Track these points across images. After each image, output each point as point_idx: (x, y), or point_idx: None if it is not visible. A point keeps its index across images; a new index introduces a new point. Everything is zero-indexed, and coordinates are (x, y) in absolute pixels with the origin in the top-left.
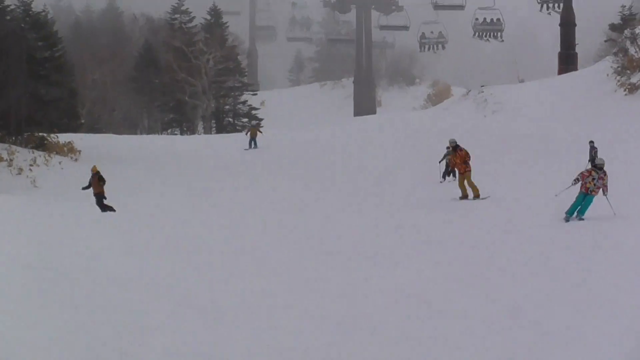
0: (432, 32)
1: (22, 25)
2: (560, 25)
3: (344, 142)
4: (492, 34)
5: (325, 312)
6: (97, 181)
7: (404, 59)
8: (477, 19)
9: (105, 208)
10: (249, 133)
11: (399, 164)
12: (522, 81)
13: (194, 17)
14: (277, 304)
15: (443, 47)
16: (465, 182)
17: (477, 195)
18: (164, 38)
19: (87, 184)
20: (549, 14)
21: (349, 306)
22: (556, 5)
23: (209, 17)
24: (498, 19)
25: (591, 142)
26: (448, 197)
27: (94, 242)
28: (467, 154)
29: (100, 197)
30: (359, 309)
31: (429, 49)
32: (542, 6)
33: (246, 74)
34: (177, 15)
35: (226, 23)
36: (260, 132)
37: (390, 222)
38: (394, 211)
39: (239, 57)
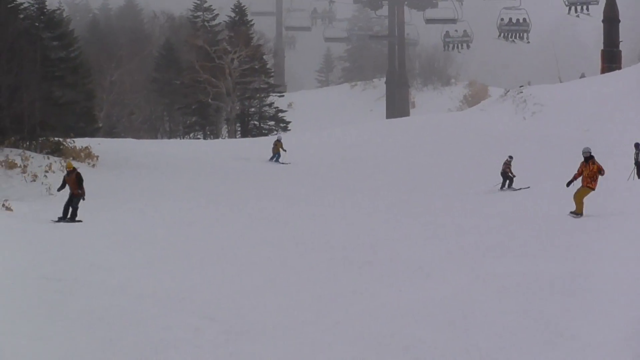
0: (456, 31)
1: (36, 24)
2: (603, 21)
3: (375, 146)
4: (518, 34)
5: (355, 328)
6: (74, 180)
7: (439, 58)
8: (502, 19)
9: (74, 216)
10: (273, 148)
11: (433, 170)
12: (561, 81)
13: (217, 15)
14: (303, 318)
15: (468, 47)
16: (577, 198)
17: (578, 212)
18: (185, 37)
19: (60, 183)
20: (577, 16)
21: (379, 321)
22: (584, 7)
23: (233, 15)
24: (524, 19)
25: (636, 144)
26: (487, 207)
27: (110, 252)
28: (600, 168)
29: (78, 199)
30: (394, 324)
31: (453, 48)
32: (570, 9)
33: (272, 74)
34: (199, 13)
35: (251, 21)
36: (284, 149)
37: (434, 234)
38: (435, 222)
39: (264, 56)
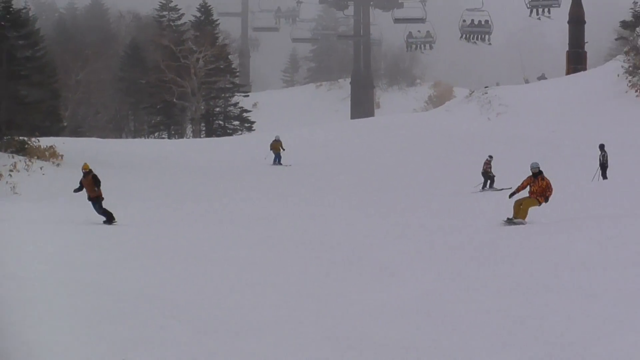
0: (419, 32)
1: (2, 23)
2: (568, 22)
3: (340, 147)
4: (479, 36)
5: (323, 328)
6: (91, 182)
7: (404, 58)
8: (464, 21)
9: (106, 214)
10: (271, 149)
11: (399, 170)
12: (527, 81)
13: (183, 15)
14: (270, 318)
15: (431, 47)
16: (523, 205)
17: (518, 217)
18: (151, 36)
19: (77, 185)
20: (539, 19)
21: (349, 321)
22: (546, 10)
23: (198, 15)
24: (487, 21)
25: (601, 145)
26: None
27: (78, 251)
28: (549, 186)
29: (99, 202)
30: (359, 324)
31: (416, 48)
32: (531, 11)
33: (238, 74)
34: (165, 13)
35: (217, 21)
36: (283, 148)
37: (395, 232)
38: (399, 220)
39: (230, 56)
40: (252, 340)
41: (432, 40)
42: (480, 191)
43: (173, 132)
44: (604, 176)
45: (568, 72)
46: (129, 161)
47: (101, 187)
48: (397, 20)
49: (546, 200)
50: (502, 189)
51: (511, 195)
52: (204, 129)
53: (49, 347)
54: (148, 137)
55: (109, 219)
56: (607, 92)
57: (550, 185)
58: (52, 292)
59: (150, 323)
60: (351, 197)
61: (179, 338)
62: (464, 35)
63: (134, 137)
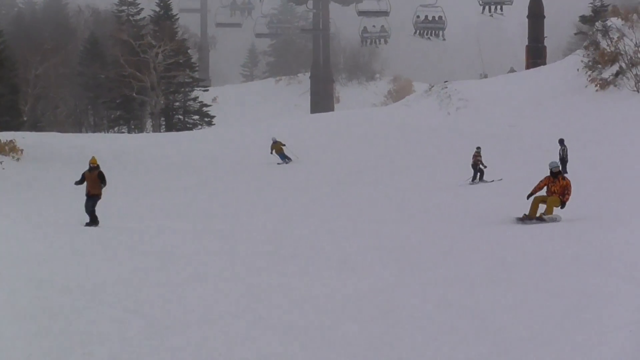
0: (374, 26)
1: None
2: (528, 17)
3: (300, 141)
4: (433, 32)
5: (280, 321)
6: (96, 178)
7: (364, 53)
8: (418, 17)
9: (93, 215)
10: (273, 151)
11: (359, 165)
12: (485, 76)
13: (142, 9)
14: (228, 311)
15: (385, 42)
16: (548, 203)
17: (548, 214)
18: (110, 31)
19: (79, 177)
20: (491, 16)
21: (308, 314)
22: (498, 7)
23: (157, 9)
24: (440, 17)
25: (561, 140)
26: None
27: (35, 245)
28: (568, 187)
29: (95, 200)
30: (318, 318)
31: (370, 43)
32: (483, 8)
33: (197, 69)
34: (124, 7)
35: (176, 15)
36: (283, 144)
37: (351, 228)
38: (356, 216)
39: (189, 51)
40: (211, 333)
41: (387, 35)
42: (470, 184)
43: (133, 127)
44: (564, 170)
45: (527, 67)
46: (89, 156)
47: (80, 184)
48: (360, 13)
49: (563, 205)
50: (493, 181)
51: (529, 196)
52: (163, 123)
53: (6, 343)
54: (108, 132)
55: (93, 221)
56: (566, 86)
57: (570, 187)
58: (9, 287)
59: (109, 318)
60: (311, 191)
61: (138, 332)
62: (418, 31)
63: (94, 131)
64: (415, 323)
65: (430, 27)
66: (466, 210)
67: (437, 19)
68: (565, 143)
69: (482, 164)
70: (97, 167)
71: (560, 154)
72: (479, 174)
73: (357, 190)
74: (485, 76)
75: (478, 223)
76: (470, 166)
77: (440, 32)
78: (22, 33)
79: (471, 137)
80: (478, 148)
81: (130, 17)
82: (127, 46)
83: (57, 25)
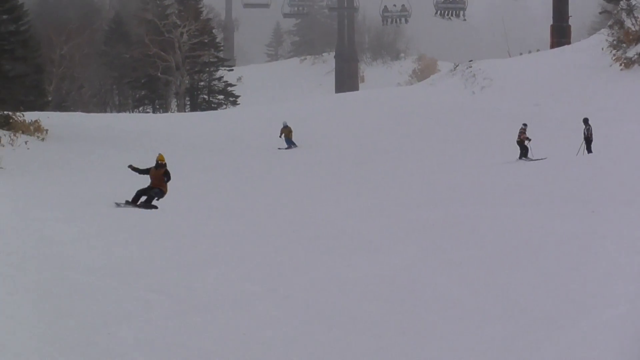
0: (394, 6)
1: None
2: None
3: (324, 121)
4: (454, 12)
5: (303, 302)
6: (161, 176)
7: (388, 32)
8: None
9: (150, 201)
10: (282, 135)
11: (384, 145)
12: (511, 56)
13: None
14: (253, 291)
15: (406, 21)
16: None
17: None
18: (135, 11)
19: (143, 168)
20: None
21: (332, 295)
22: None
23: None
24: None
25: (585, 119)
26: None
27: (60, 225)
28: None
29: (158, 194)
30: (342, 298)
31: (391, 22)
32: None
33: (222, 48)
34: None
35: None
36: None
37: (375, 208)
38: (380, 196)
39: (214, 30)
40: (236, 313)
41: (408, 14)
42: (516, 161)
43: (157, 107)
44: (589, 150)
45: (552, 46)
46: (114, 135)
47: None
48: None
49: None
50: (539, 160)
51: None
52: (188, 103)
53: (31, 323)
54: (132, 112)
55: (149, 202)
56: (591, 65)
57: None
58: (34, 268)
59: (133, 298)
60: (335, 171)
61: (162, 312)
62: (439, 12)
63: (119, 111)
64: (439, 303)
65: (451, 7)
66: (492, 189)
67: None
68: (590, 122)
69: (528, 139)
70: (164, 165)
71: (584, 133)
72: (523, 151)
73: (382, 170)
74: (510, 55)
75: (503, 203)
76: (516, 143)
77: (461, 12)
78: (47, 13)
79: (496, 116)
80: (524, 125)
81: None
82: (151, 26)
83: (81, 4)
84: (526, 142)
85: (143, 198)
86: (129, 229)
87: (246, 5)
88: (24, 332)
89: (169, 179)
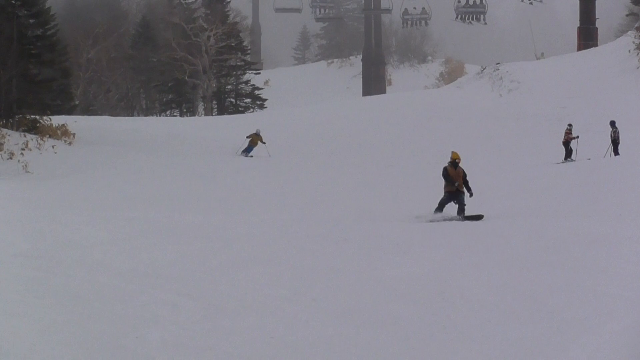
0: (414, 8)
1: (13, 1)
2: None
3: (352, 124)
4: (474, 16)
5: (333, 304)
6: (462, 174)
7: (415, 35)
8: (459, 2)
9: (462, 212)
10: (249, 141)
11: (411, 148)
12: (539, 58)
13: None
14: (281, 294)
15: (426, 24)
16: None
17: None
18: (162, 14)
19: (451, 181)
20: (531, 3)
21: (357, 297)
22: None
23: None
24: (481, 1)
25: (612, 122)
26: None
27: (88, 229)
28: None
29: (463, 196)
30: (369, 299)
31: (411, 25)
32: None
33: (249, 52)
34: None
35: None
36: (263, 142)
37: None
38: (408, 198)
39: (241, 34)
40: (265, 316)
41: (428, 17)
42: (562, 162)
43: (185, 110)
44: (616, 152)
45: (579, 48)
46: (141, 139)
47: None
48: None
49: None
50: (575, 160)
51: None
52: (215, 106)
53: (59, 327)
54: (160, 115)
55: (461, 212)
56: (617, 68)
57: None
58: (62, 271)
59: (161, 301)
60: (363, 173)
61: (190, 315)
62: (459, 16)
63: (146, 115)
64: (467, 305)
65: (471, 12)
66: (520, 191)
67: (477, 3)
68: (617, 125)
69: (573, 137)
70: (459, 161)
71: (611, 135)
72: (568, 152)
73: (408, 173)
74: (542, 55)
75: (530, 205)
76: (562, 144)
77: (482, 16)
78: (74, 17)
79: (522, 119)
80: (570, 125)
81: (182, 0)
82: (178, 29)
83: (108, 8)
84: (572, 142)
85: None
86: (157, 232)
87: (278, 10)
88: (52, 336)
89: (465, 175)
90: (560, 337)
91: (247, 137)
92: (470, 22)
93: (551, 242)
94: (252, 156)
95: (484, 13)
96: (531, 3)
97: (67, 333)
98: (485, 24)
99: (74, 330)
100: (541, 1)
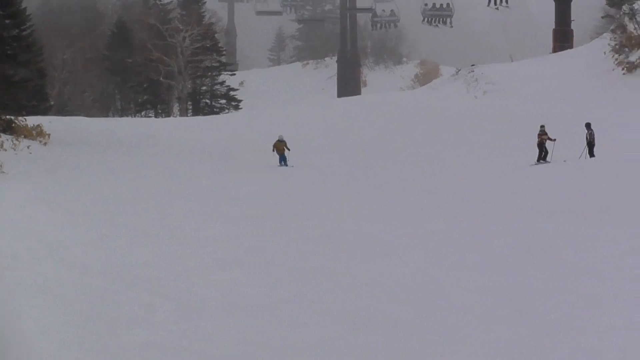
0: (383, 11)
1: None
2: (555, 0)
3: (327, 125)
4: (441, 19)
5: (312, 303)
6: None
7: (391, 36)
8: (426, 5)
9: None
10: (275, 150)
11: (387, 150)
12: (513, 61)
13: None
14: (254, 296)
15: (395, 26)
16: None
17: None
18: (137, 15)
19: None
20: (497, 9)
21: (340, 297)
22: (504, 0)
23: None
24: (448, 5)
25: (587, 124)
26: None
27: (63, 229)
28: None
29: None
30: (359, 302)
31: (380, 27)
32: (489, 1)
33: (224, 53)
34: None
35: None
36: (288, 148)
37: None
38: (388, 201)
39: (216, 35)
40: (242, 317)
41: (397, 19)
42: (535, 164)
43: (160, 111)
44: (591, 154)
45: (554, 50)
46: (116, 140)
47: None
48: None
49: None
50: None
51: None
52: (190, 107)
53: (38, 329)
54: (135, 116)
55: None
56: (593, 70)
57: None
58: (37, 271)
59: (137, 302)
60: (340, 175)
61: (166, 316)
62: (426, 19)
63: (121, 116)
64: (451, 307)
65: (438, 15)
66: (497, 195)
67: (444, 6)
68: (592, 127)
69: (550, 139)
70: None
71: (587, 137)
72: (543, 154)
73: (386, 175)
74: (512, 60)
75: (507, 208)
76: (536, 145)
77: (448, 20)
78: (50, 18)
79: (498, 121)
80: (542, 126)
81: (158, 1)
82: (154, 30)
83: (84, 9)
84: (547, 144)
85: None
86: (131, 232)
87: (259, 13)
88: (29, 336)
89: None
90: (544, 339)
91: (273, 150)
92: (436, 25)
93: (531, 243)
94: (292, 166)
95: (450, 16)
96: (497, 8)
97: (41, 332)
98: (452, 27)
99: (48, 329)
100: (507, 6)
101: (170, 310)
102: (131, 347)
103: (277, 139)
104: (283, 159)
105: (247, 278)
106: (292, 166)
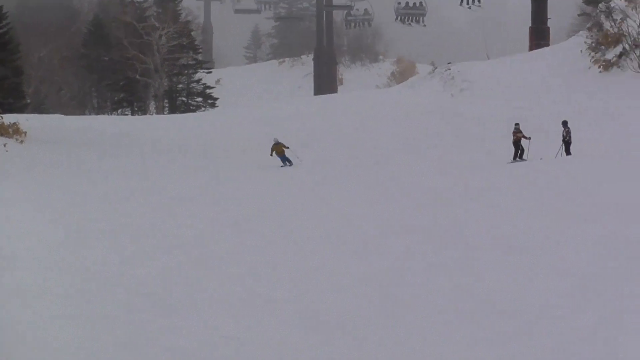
0: (357, 10)
1: None
2: None
3: (303, 123)
4: (414, 18)
5: (288, 302)
6: None
7: (367, 34)
8: (399, 3)
9: None
10: (274, 153)
11: (364, 148)
12: (489, 58)
13: None
14: (231, 294)
15: (369, 25)
16: None
17: None
18: (114, 13)
19: None
20: (469, 8)
21: (314, 296)
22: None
23: None
24: (421, 3)
25: (564, 122)
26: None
27: (42, 228)
28: None
29: None
30: (326, 300)
31: (354, 26)
32: (461, 0)
33: (200, 50)
34: None
35: None
36: (286, 146)
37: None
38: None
39: (193, 33)
40: (218, 315)
41: (371, 18)
42: (511, 162)
43: (136, 109)
44: (568, 152)
45: (531, 48)
46: (92, 138)
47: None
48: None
49: None
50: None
51: None
52: (167, 105)
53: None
54: (111, 114)
55: None
56: (570, 68)
57: None
58: (36, 272)
59: (115, 301)
60: (318, 174)
61: (144, 315)
62: (399, 17)
63: (97, 113)
64: (421, 306)
65: (411, 13)
66: (472, 191)
67: (417, 5)
68: (569, 125)
69: (525, 137)
70: None
71: (563, 135)
72: (519, 151)
73: (363, 173)
74: (488, 58)
75: (486, 205)
76: (512, 143)
77: (421, 18)
78: (26, 16)
79: (475, 118)
80: (517, 124)
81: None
82: (130, 28)
83: (60, 7)
84: (523, 142)
85: None
86: (110, 232)
87: (237, 11)
88: (5, 334)
89: None
90: (515, 339)
91: (271, 155)
92: (409, 24)
93: (506, 242)
94: (291, 163)
95: (423, 15)
96: (469, 8)
97: (19, 331)
98: (425, 26)
99: (25, 329)
100: (480, 6)
101: (150, 308)
102: (107, 342)
103: (273, 142)
104: (285, 160)
105: (225, 276)
106: (301, 161)
